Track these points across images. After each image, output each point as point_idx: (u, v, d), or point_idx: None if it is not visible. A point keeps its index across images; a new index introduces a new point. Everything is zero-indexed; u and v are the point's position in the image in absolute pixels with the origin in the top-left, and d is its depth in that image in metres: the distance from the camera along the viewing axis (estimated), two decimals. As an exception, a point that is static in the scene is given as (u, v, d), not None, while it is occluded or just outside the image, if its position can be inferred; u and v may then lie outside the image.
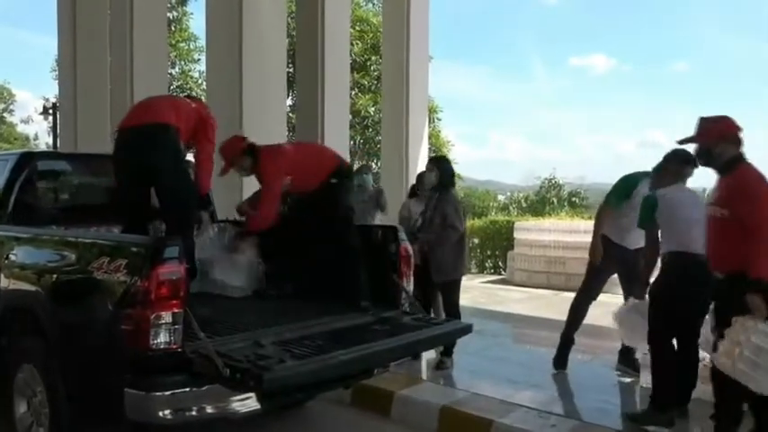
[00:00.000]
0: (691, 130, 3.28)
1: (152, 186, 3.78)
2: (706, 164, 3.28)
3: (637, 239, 4.21)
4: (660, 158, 4.02)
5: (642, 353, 4.29)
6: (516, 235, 10.95)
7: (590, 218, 11.74)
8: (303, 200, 4.28)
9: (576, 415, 3.95)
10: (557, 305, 8.25)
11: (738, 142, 3.17)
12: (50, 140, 28.46)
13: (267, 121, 8.53)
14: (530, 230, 10.80)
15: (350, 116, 11.26)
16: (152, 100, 4.10)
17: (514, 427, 3.72)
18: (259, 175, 4.17)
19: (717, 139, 3.16)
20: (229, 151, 4.16)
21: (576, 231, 9.97)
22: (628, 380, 4.59)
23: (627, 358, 4.67)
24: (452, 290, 4.91)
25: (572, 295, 4.92)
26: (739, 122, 3.21)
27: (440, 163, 5.12)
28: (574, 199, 22.02)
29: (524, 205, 22.38)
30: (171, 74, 21.58)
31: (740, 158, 3.15)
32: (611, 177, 4.37)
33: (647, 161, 4.19)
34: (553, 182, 23.18)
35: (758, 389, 2.90)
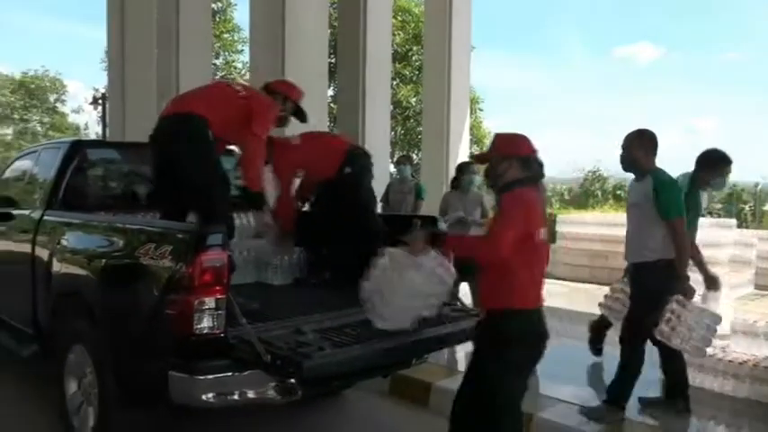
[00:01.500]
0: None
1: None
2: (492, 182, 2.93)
3: None
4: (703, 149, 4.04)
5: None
6: (558, 228, 10.78)
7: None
8: (328, 188, 4.30)
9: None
10: (599, 299, 8.14)
11: (526, 164, 2.77)
12: (99, 130, 29.31)
13: (308, 111, 8.53)
14: (572, 223, 10.64)
15: (391, 107, 11.24)
16: (191, 91, 3.98)
17: (554, 421, 3.68)
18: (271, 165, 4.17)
19: (502, 157, 2.81)
20: None
21: (619, 225, 9.74)
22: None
23: None
24: None
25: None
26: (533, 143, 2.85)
27: None
28: (618, 192, 21.56)
29: (567, 198, 22.02)
30: (215, 64, 21.93)
31: (520, 182, 2.74)
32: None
33: (694, 151, 3.99)
34: (597, 174, 22.74)
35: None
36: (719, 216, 14.57)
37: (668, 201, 3.54)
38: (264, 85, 4.12)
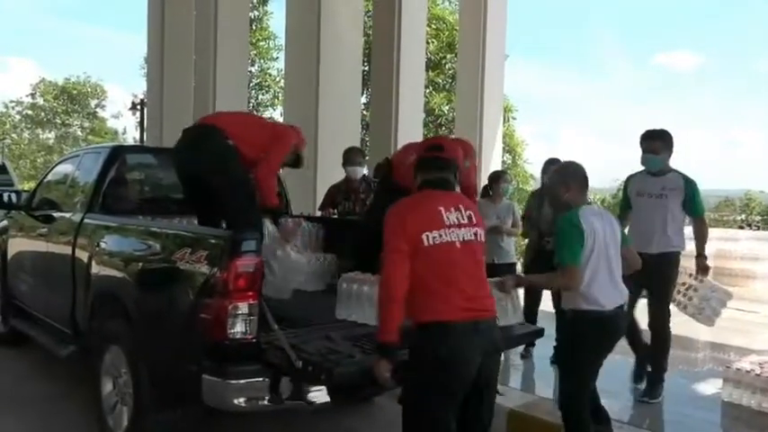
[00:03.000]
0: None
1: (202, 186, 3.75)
2: None
3: None
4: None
5: (726, 366, 4.14)
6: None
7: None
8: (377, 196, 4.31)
9: (650, 426, 3.81)
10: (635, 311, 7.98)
11: (424, 169, 2.71)
12: (138, 135, 29.94)
13: (342, 119, 8.66)
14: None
15: (423, 114, 11.25)
16: (218, 112, 4.14)
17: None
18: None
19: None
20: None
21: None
22: (710, 393, 4.39)
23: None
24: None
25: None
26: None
27: None
28: (654, 202, 21.13)
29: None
30: (250, 71, 22.23)
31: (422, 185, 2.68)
32: (694, 179, 4.16)
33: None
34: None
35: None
36: (758, 228, 14.15)
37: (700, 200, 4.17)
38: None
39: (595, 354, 3.06)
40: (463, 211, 2.56)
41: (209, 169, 3.63)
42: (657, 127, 4.19)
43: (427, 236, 2.44)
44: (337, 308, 3.45)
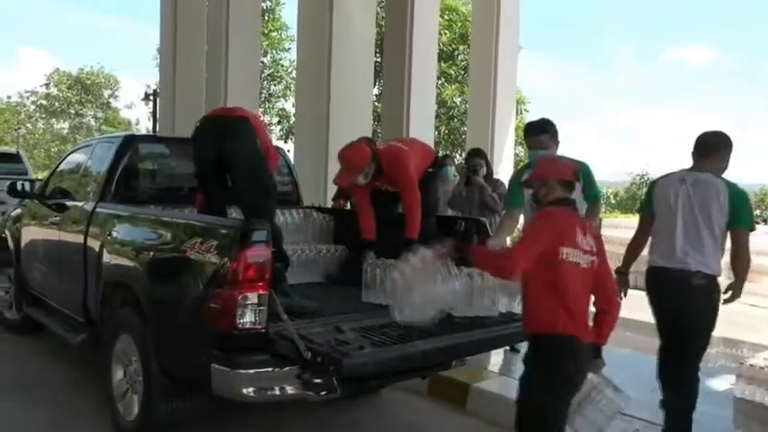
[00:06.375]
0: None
1: (228, 173, 3.75)
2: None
3: None
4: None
5: (740, 362, 4.08)
6: (603, 232, 10.56)
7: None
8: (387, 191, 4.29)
9: (662, 421, 3.77)
10: (644, 305, 7.91)
11: (563, 188, 2.79)
12: (150, 125, 30.10)
13: (353, 110, 8.64)
14: (618, 228, 10.43)
15: (435, 106, 11.21)
16: (237, 107, 4.14)
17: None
18: (389, 180, 4.14)
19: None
20: (363, 159, 4.01)
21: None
22: (722, 389, 4.35)
23: None
24: None
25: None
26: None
27: None
28: (668, 196, 20.97)
29: (613, 202, 21.57)
30: (262, 62, 22.25)
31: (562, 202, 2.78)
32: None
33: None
34: (645, 177, 22.19)
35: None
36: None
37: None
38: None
39: None
40: (589, 238, 2.66)
41: (240, 155, 3.64)
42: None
43: (571, 252, 2.56)
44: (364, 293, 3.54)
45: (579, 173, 2.99)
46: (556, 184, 2.74)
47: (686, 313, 3.32)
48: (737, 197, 3.24)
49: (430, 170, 4.27)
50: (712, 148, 3.35)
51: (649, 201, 3.55)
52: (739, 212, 3.22)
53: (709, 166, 3.30)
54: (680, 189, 3.32)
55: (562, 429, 2.62)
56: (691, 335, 3.35)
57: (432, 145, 7.39)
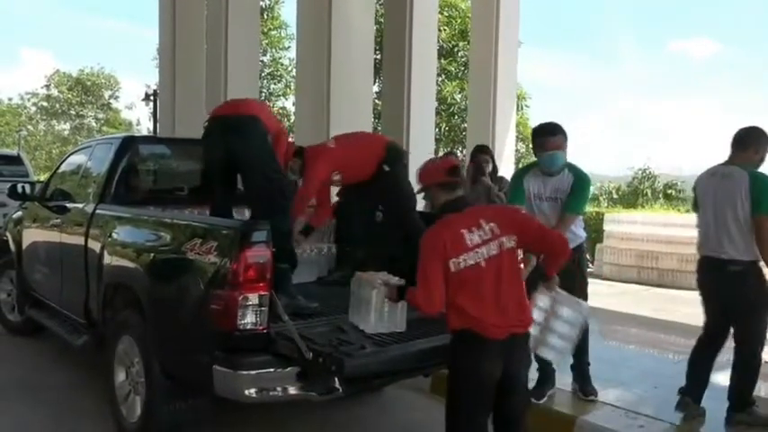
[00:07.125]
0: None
1: (239, 173, 3.79)
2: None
3: None
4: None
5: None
6: (606, 227, 10.55)
7: (687, 211, 11.14)
8: (362, 188, 4.28)
9: (667, 417, 3.76)
10: (647, 301, 7.91)
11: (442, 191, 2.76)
12: (151, 126, 30.09)
13: (353, 107, 8.62)
14: (620, 222, 10.40)
15: (436, 103, 11.18)
16: (245, 98, 4.21)
17: (599, 425, 3.60)
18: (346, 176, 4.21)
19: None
20: (287, 154, 4.09)
21: (670, 225, 9.50)
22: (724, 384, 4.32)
23: None
24: None
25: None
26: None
27: None
28: (670, 191, 20.89)
29: (615, 196, 21.49)
30: (262, 61, 22.24)
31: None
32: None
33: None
34: (647, 172, 22.09)
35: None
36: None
37: None
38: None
39: None
40: (486, 224, 2.54)
41: (252, 154, 3.66)
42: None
43: (464, 257, 2.48)
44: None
45: (461, 168, 2.88)
46: (436, 189, 2.69)
47: (727, 299, 3.56)
48: (757, 185, 3.42)
49: (386, 168, 4.17)
50: (741, 142, 3.56)
51: (694, 197, 3.83)
52: (760, 200, 3.41)
53: (740, 159, 3.53)
54: (711, 183, 3.59)
55: (471, 416, 2.73)
56: (735, 319, 3.56)
57: (431, 141, 7.33)
